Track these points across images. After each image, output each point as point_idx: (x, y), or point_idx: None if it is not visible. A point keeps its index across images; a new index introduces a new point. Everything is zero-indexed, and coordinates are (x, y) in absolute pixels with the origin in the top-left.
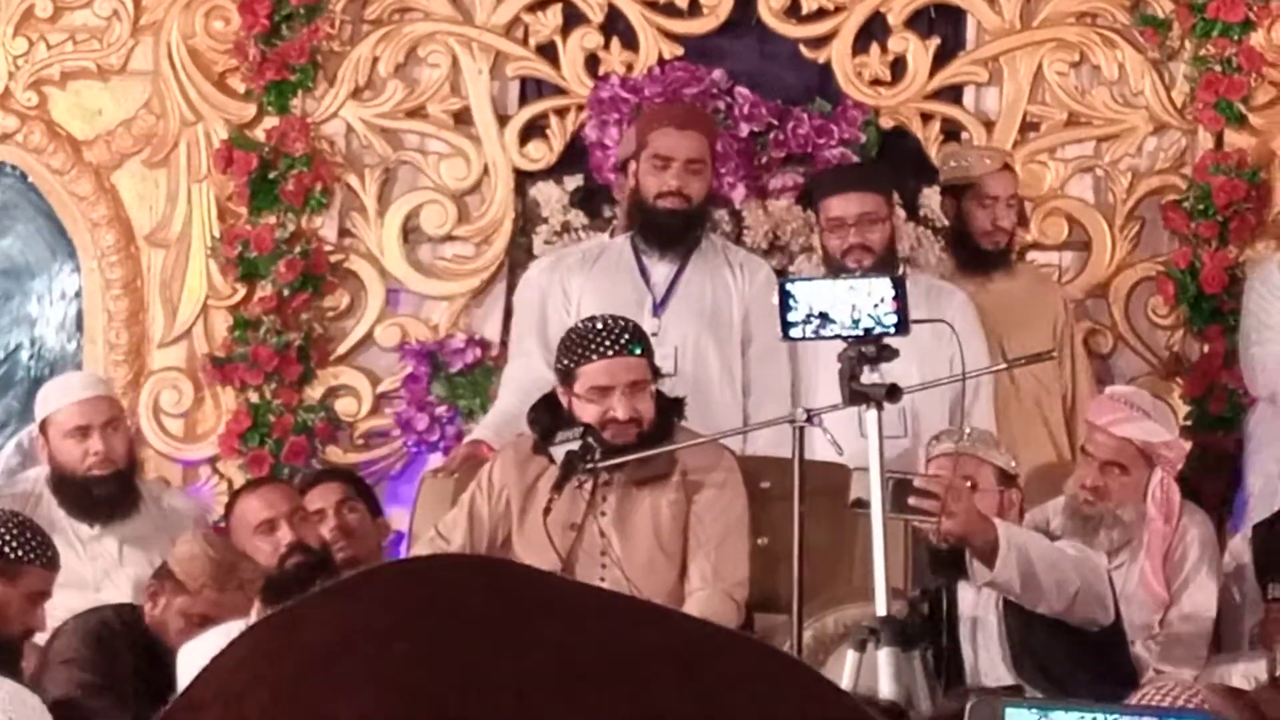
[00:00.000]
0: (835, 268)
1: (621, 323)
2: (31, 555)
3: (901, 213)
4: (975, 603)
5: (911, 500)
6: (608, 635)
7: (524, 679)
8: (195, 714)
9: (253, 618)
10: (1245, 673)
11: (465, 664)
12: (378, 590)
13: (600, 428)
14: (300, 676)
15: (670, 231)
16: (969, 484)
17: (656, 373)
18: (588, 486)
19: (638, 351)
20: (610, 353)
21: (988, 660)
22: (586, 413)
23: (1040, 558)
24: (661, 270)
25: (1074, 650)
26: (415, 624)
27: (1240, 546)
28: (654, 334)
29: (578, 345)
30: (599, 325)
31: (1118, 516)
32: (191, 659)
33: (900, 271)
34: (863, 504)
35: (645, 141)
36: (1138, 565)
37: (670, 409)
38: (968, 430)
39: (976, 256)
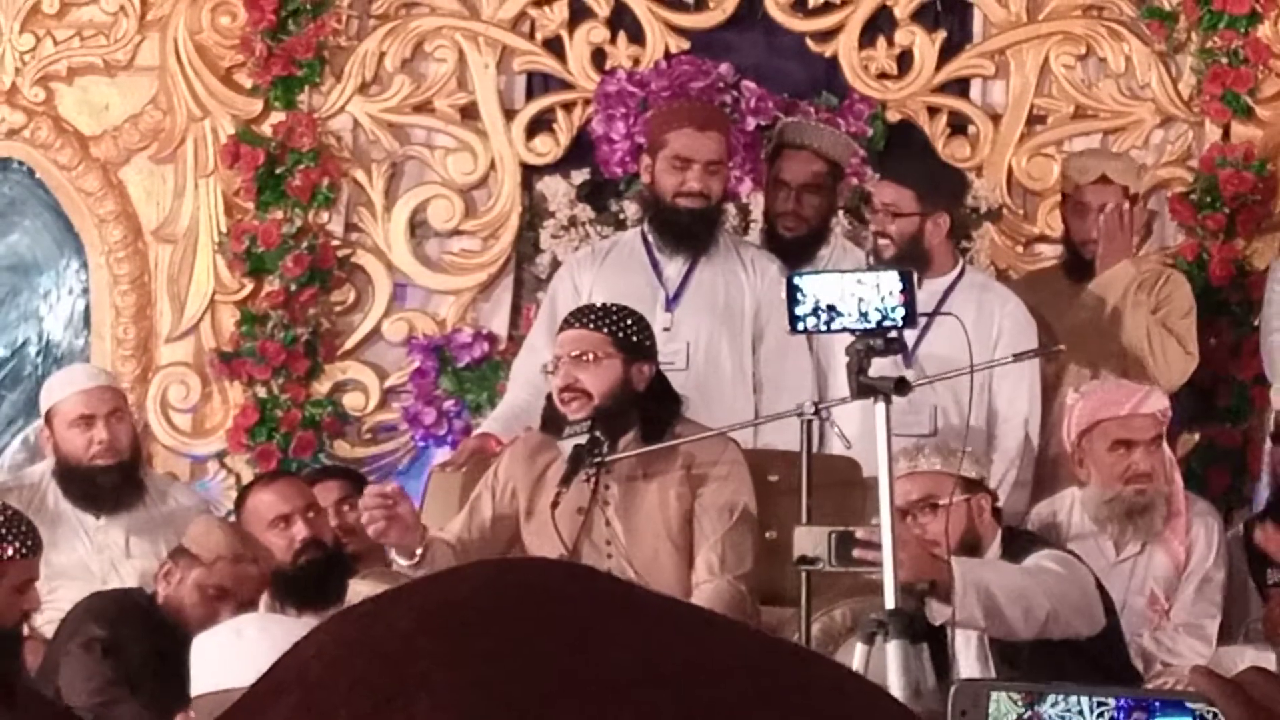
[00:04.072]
0: (872, 250)
1: (595, 304)
2: (10, 550)
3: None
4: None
5: (856, 553)
6: (687, 644)
7: (604, 682)
8: (274, 700)
9: (261, 608)
10: (1254, 661)
11: (546, 663)
12: (462, 586)
13: (560, 401)
14: (381, 668)
15: (690, 231)
16: (930, 505)
17: (629, 349)
18: (591, 476)
19: (590, 325)
20: (567, 327)
21: (967, 663)
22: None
23: (1005, 589)
24: (674, 266)
25: (1057, 654)
26: (497, 621)
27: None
28: (666, 329)
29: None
30: (575, 308)
31: (1162, 493)
32: (202, 652)
33: (959, 269)
34: (806, 560)
35: (663, 140)
36: (1161, 536)
37: (662, 392)
38: (915, 444)
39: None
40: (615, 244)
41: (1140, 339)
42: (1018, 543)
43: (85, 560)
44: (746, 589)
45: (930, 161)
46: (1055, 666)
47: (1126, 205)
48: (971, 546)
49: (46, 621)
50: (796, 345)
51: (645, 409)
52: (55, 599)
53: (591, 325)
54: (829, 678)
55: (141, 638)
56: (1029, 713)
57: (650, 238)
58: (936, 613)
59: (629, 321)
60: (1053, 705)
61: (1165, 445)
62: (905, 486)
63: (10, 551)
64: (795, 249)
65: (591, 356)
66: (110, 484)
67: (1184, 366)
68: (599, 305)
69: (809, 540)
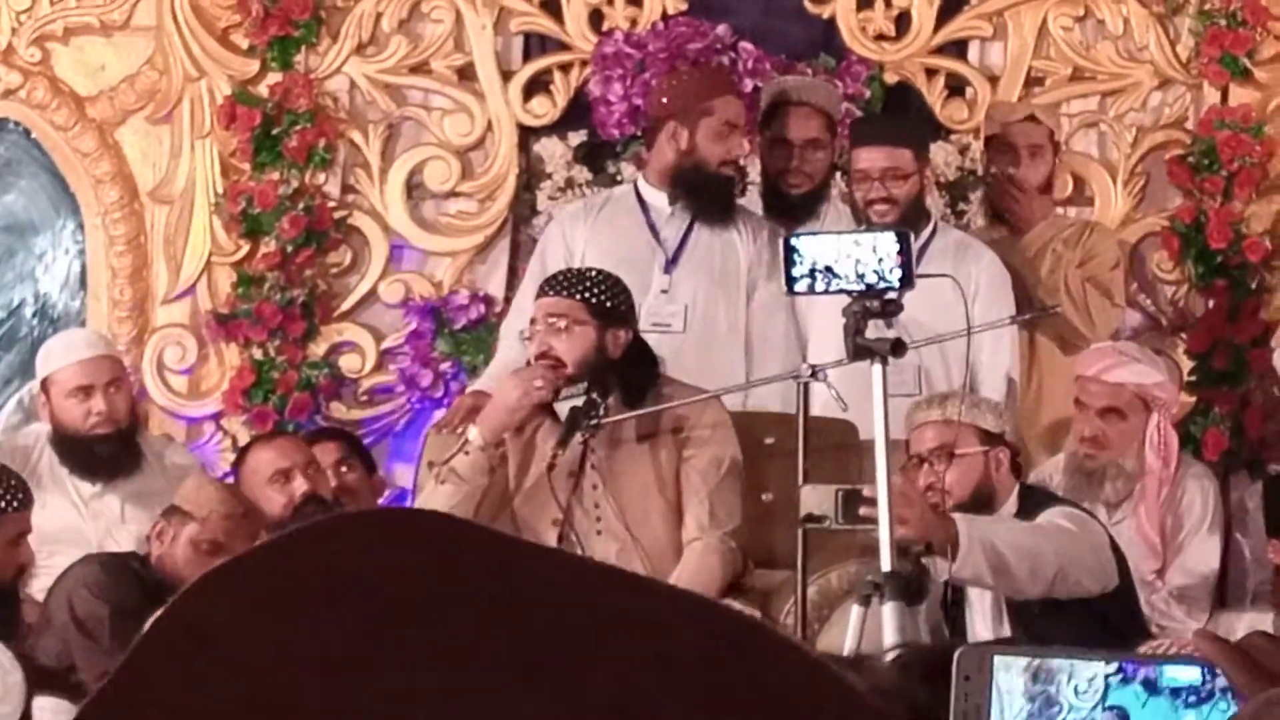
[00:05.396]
0: (860, 219)
1: (571, 270)
2: (2, 504)
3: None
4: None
5: (862, 510)
6: (622, 596)
7: (471, 648)
8: (167, 667)
9: None
10: (1252, 625)
11: (534, 618)
12: (384, 530)
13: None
14: (332, 616)
15: (725, 200)
16: (947, 453)
17: (604, 315)
18: (585, 438)
19: (564, 292)
20: (542, 294)
21: (982, 619)
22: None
23: (1012, 547)
24: (672, 227)
25: (1067, 611)
26: (449, 567)
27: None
28: (664, 291)
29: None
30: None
31: (1120, 466)
32: None
33: (933, 226)
34: (813, 518)
35: (709, 107)
36: (1135, 508)
37: (639, 356)
38: (944, 393)
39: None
40: (607, 200)
41: (1061, 295)
42: (1034, 498)
43: (80, 527)
44: (737, 544)
45: (906, 116)
46: (1065, 625)
47: (1050, 152)
48: (985, 499)
49: (41, 589)
50: (783, 306)
51: (623, 374)
52: (51, 565)
53: (565, 292)
54: (747, 628)
55: (134, 600)
56: (1036, 686)
57: (648, 198)
58: (941, 569)
59: (604, 288)
60: (1058, 672)
61: (1156, 422)
62: (925, 433)
63: (2, 505)
64: (800, 206)
65: (565, 324)
66: (107, 453)
67: (1109, 318)
68: (575, 271)
69: (815, 498)
